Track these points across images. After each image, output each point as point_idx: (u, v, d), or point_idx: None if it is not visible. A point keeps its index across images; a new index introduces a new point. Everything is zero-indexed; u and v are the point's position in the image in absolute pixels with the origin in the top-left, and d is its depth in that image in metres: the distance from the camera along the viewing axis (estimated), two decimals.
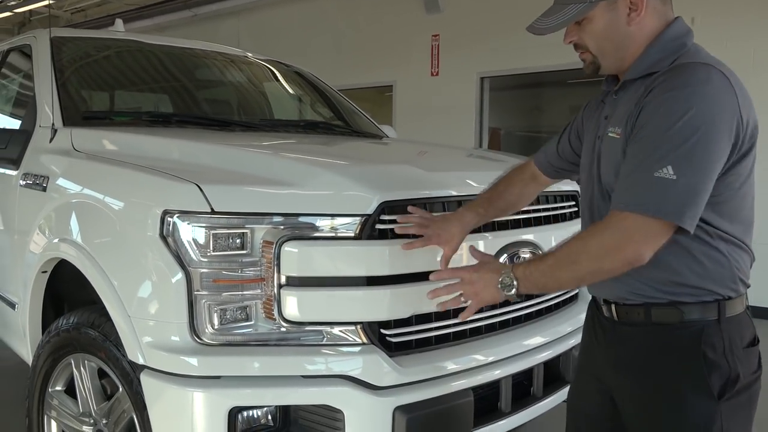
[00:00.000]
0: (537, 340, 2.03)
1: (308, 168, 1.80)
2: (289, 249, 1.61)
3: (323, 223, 1.67)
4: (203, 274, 1.62)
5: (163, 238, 1.62)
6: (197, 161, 1.91)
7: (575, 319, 2.23)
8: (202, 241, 1.61)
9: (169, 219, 1.62)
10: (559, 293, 2.23)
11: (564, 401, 2.25)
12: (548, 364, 2.07)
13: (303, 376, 1.62)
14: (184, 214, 1.61)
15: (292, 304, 1.62)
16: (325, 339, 1.68)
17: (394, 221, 1.70)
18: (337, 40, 8.09)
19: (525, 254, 1.97)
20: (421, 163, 1.96)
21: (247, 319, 1.66)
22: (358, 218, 1.66)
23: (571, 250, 1.33)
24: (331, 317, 1.66)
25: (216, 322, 1.63)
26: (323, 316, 1.66)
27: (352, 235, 1.67)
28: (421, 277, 1.72)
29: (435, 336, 1.80)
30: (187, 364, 1.59)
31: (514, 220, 1.99)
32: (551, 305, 2.18)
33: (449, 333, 1.83)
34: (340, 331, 1.68)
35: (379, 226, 1.68)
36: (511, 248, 1.94)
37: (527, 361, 1.97)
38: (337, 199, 1.67)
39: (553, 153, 1.74)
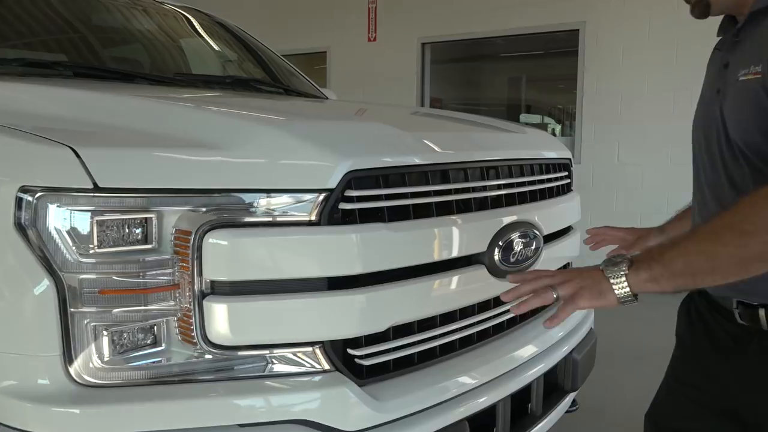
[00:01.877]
0: (530, 350, 1.61)
1: (242, 125, 1.28)
2: (215, 241, 1.10)
3: (264, 204, 1.16)
4: (84, 281, 1.08)
5: (20, 228, 1.07)
6: (82, 117, 1.34)
7: (569, 318, 1.82)
8: (81, 232, 1.07)
9: (28, 200, 1.07)
10: None
11: (567, 412, 1.86)
12: (546, 375, 1.67)
13: (240, 425, 1.12)
14: (52, 192, 1.06)
15: (221, 321, 1.12)
16: (270, 368, 1.18)
17: (364, 198, 1.22)
18: (264, 0, 7.39)
19: (523, 239, 1.54)
20: (394, 121, 1.48)
21: (155, 344, 1.15)
22: (314, 195, 1.17)
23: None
24: (278, 337, 1.17)
25: (106, 351, 1.10)
26: (266, 335, 1.16)
27: (307, 219, 1.17)
28: (403, 274, 1.26)
29: (419, 352, 1.34)
30: (61, 419, 1.06)
31: (502, 196, 1.54)
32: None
33: (435, 347, 1.38)
34: (291, 355, 1.19)
35: (344, 206, 1.19)
36: (509, 232, 1.49)
37: (525, 376, 1.55)
38: (285, 169, 1.17)
39: None
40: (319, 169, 1.17)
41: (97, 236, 1.08)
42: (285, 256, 1.14)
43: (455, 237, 1.35)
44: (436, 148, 1.41)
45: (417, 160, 1.33)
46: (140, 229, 1.12)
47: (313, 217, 1.17)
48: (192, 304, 1.12)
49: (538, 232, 1.60)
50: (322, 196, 1.17)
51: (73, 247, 1.07)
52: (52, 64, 1.97)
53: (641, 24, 5.25)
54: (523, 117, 7.81)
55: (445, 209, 1.37)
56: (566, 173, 1.94)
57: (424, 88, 6.63)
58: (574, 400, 1.93)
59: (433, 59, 6.74)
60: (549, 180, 1.79)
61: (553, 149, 1.87)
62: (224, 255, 1.11)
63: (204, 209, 1.14)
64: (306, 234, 1.16)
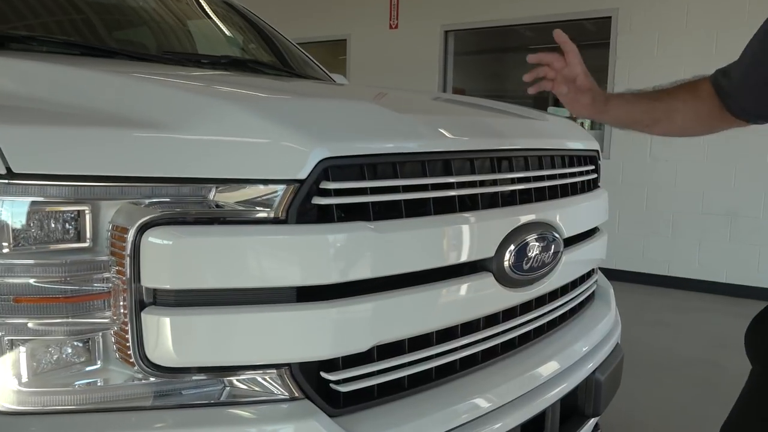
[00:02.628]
0: (547, 370, 1.38)
1: (197, 100, 1.07)
2: (156, 241, 0.90)
3: (219, 197, 0.96)
4: None
5: None
6: (14, 90, 1.15)
7: (592, 332, 1.60)
8: None
9: None
10: (572, 296, 1.58)
11: None
12: (564, 398, 1.44)
13: None
14: None
15: (162, 338, 0.92)
16: (227, 395, 0.98)
17: (344, 192, 1.01)
18: None
19: (540, 243, 1.31)
20: (386, 102, 1.26)
21: (89, 362, 0.95)
22: (281, 187, 0.96)
23: None
24: (235, 358, 0.97)
25: (25, 373, 0.92)
26: (220, 356, 0.96)
27: (271, 216, 0.96)
28: (391, 283, 1.05)
29: (409, 375, 1.13)
30: None
31: (516, 192, 1.32)
32: (558, 315, 1.53)
33: (431, 369, 1.16)
34: (252, 379, 0.99)
35: (318, 201, 0.98)
36: (523, 234, 1.27)
37: (539, 402, 1.32)
38: (245, 154, 0.96)
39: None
40: (288, 154, 0.96)
41: (11, 233, 0.89)
42: (243, 260, 0.94)
43: (456, 239, 1.13)
44: (436, 134, 1.19)
45: (412, 147, 1.11)
46: (69, 224, 0.93)
47: (279, 214, 0.96)
48: (129, 316, 0.93)
49: (558, 235, 1.37)
50: (290, 189, 0.96)
51: None
52: (25, 39, 1.79)
53: (678, 10, 4.93)
54: (551, 110, 7.52)
55: (445, 207, 1.15)
56: (593, 167, 1.70)
57: (446, 78, 6.37)
58: (596, 424, 1.71)
59: (457, 50, 6.49)
60: (572, 174, 1.56)
61: (578, 140, 1.64)
62: (167, 258, 0.91)
63: (146, 202, 0.94)
64: (270, 234, 0.95)
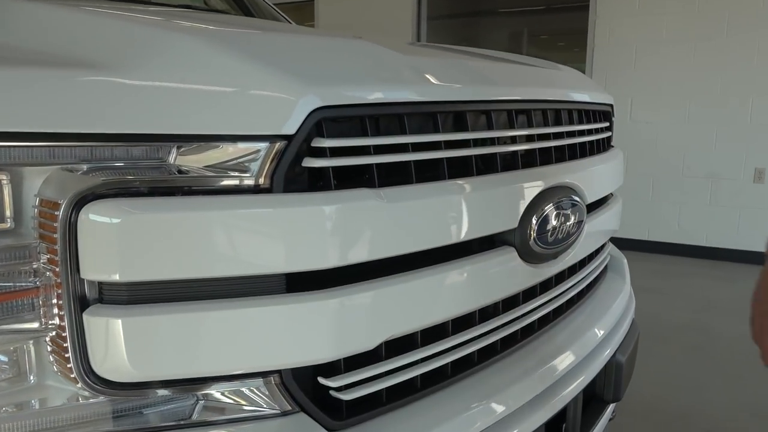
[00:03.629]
0: (569, 357, 1.20)
1: (149, 34, 0.82)
2: (100, 219, 0.68)
3: (186, 160, 0.74)
4: None
5: None
6: None
7: (610, 310, 1.43)
8: None
9: None
10: (589, 269, 1.40)
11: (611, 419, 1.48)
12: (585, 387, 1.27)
13: None
14: None
15: (114, 346, 0.70)
16: (199, 412, 0.77)
17: (342, 152, 0.80)
18: None
19: (565, 211, 1.12)
20: (386, 44, 1.03)
21: (17, 380, 0.73)
22: (263, 146, 0.74)
23: None
24: (211, 366, 0.75)
25: None
26: (191, 365, 0.74)
27: (251, 183, 0.75)
28: (400, 264, 0.85)
29: (423, 374, 0.93)
30: None
31: (536, 151, 1.12)
32: (576, 293, 1.35)
33: (446, 364, 0.97)
34: (234, 391, 0.78)
35: (310, 162, 0.77)
36: (545, 201, 1.08)
37: (563, 396, 1.15)
38: (217, 102, 0.73)
39: None
40: (271, 103, 0.74)
41: None
42: (216, 242, 0.72)
43: (479, 209, 0.93)
44: (447, 81, 0.97)
45: (421, 96, 0.89)
46: None
47: (261, 181, 0.74)
48: (67, 319, 0.70)
49: (581, 201, 1.18)
50: (275, 148, 0.74)
51: None
52: None
53: None
54: None
55: (459, 169, 0.95)
56: (607, 124, 1.51)
57: (419, 40, 6.12)
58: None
59: (429, 15, 6.23)
60: (590, 132, 1.37)
61: (593, 92, 1.44)
62: (114, 241, 0.68)
63: (84, 167, 0.71)
64: (250, 207, 0.74)
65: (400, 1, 5.99)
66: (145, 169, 0.73)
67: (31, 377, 0.74)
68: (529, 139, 1.12)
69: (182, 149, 0.74)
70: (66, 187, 0.69)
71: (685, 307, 3.72)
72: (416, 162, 0.88)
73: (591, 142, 1.38)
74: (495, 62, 1.21)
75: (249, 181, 0.74)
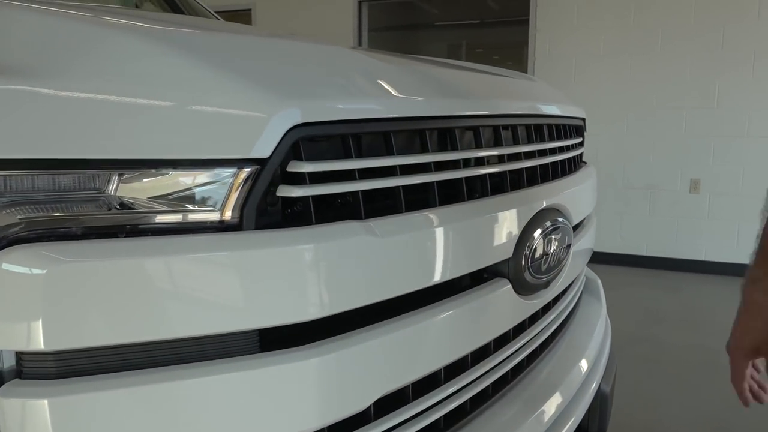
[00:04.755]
0: (560, 395, 1.09)
1: (84, 31, 0.66)
2: (18, 270, 0.52)
3: (129, 189, 0.58)
4: None
5: None
6: None
7: (592, 337, 1.34)
8: None
9: None
10: (570, 296, 1.32)
11: None
12: None
13: None
14: None
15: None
16: None
17: (323, 177, 0.66)
18: None
19: (555, 235, 1.02)
20: (357, 51, 0.89)
21: None
22: (229, 173, 0.60)
23: None
24: None
25: None
26: None
27: (216, 218, 0.60)
28: (389, 309, 0.72)
29: None
30: None
31: (523, 170, 1.02)
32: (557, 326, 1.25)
33: (439, 419, 0.85)
34: None
35: (286, 191, 0.63)
36: (536, 226, 0.97)
37: None
38: (171, 118, 0.58)
39: None
40: (239, 120, 0.60)
41: None
42: (172, 294, 0.57)
43: (474, 239, 0.81)
44: (433, 94, 0.85)
45: (410, 111, 0.77)
46: None
47: (227, 215, 0.60)
48: None
49: (568, 223, 1.09)
50: (243, 175, 0.60)
51: None
52: None
53: None
54: None
55: (447, 193, 0.83)
56: (580, 139, 1.44)
57: None
58: None
59: (370, 26, 6.16)
60: (568, 148, 1.28)
61: (567, 105, 1.36)
62: (38, 298, 0.52)
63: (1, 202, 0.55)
64: (215, 248, 0.59)
65: (341, 12, 5.89)
66: (77, 203, 0.57)
67: None
68: (514, 157, 1.01)
69: (125, 177, 0.59)
70: None
71: (631, 318, 3.75)
72: (405, 187, 0.75)
73: (568, 159, 1.30)
74: (475, 73, 1.10)
75: (212, 216, 0.60)
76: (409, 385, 0.78)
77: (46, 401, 0.53)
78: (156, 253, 0.56)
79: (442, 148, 0.86)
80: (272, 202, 0.64)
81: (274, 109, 0.60)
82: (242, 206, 0.60)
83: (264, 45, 0.76)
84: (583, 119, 1.47)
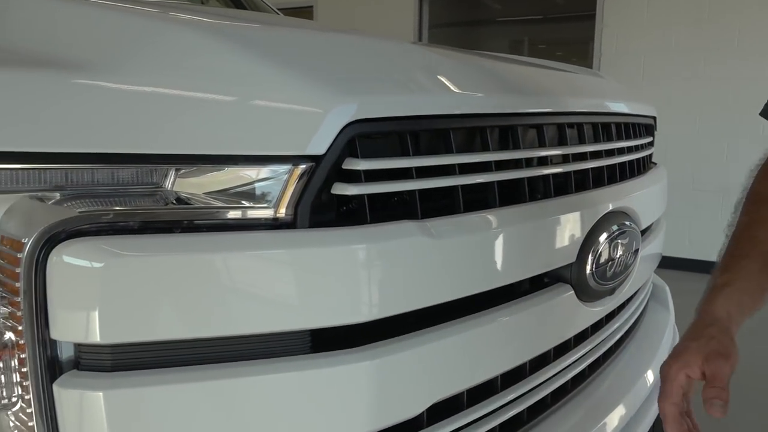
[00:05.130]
0: (619, 415, 1.03)
1: (142, 26, 0.67)
2: (76, 263, 0.52)
3: (186, 185, 0.58)
4: None
5: None
6: None
7: (659, 348, 1.27)
8: None
9: None
10: (636, 303, 1.25)
11: None
12: None
13: None
14: None
15: (94, 427, 0.54)
16: None
17: (379, 175, 0.64)
18: None
19: (622, 239, 0.97)
20: (418, 46, 0.87)
21: None
22: (282, 170, 0.59)
23: None
24: None
25: None
26: None
27: (269, 215, 0.59)
28: (445, 312, 0.69)
29: None
30: None
31: (588, 171, 0.97)
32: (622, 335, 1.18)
33: (494, 427, 0.81)
34: None
35: (341, 190, 0.61)
36: (602, 229, 0.92)
37: None
38: (226, 111, 0.58)
39: None
40: (294, 116, 0.59)
41: None
42: (225, 291, 0.56)
43: (535, 242, 0.78)
44: (497, 89, 0.82)
45: (471, 107, 0.74)
46: None
47: (282, 212, 0.59)
48: (32, 391, 0.55)
49: (636, 227, 1.03)
50: (298, 172, 0.59)
51: None
52: None
53: None
54: None
55: (508, 193, 0.80)
56: (651, 138, 1.37)
57: None
58: None
59: (431, 23, 6.13)
60: (638, 148, 1.22)
61: (636, 103, 1.30)
62: (95, 292, 0.53)
63: (57, 195, 0.56)
64: (269, 246, 0.58)
65: (402, 9, 5.87)
66: (135, 197, 0.57)
67: None
68: (579, 157, 0.97)
69: (181, 172, 0.59)
70: (33, 222, 0.53)
71: None
72: (464, 186, 0.73)
73: (637, 160, 1.24)
74: (540, 69, 1.06)
75: (266, 213, 0.59)
76: (464, 392, 0.76)
77: (101, 393, 0.54)
78: (210, 249, 0.56)
79: (503, 146, 0.82)
80: (327, 200, 0.62)
81: (330, 105, 0.58)
82: (296, 204, 0.59)
83: (322, 40, 0.75)
84: (654, 118, 1.39)
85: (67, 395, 0.54)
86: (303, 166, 0.59)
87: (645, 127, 1.34)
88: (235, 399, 0.57)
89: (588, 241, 0.88)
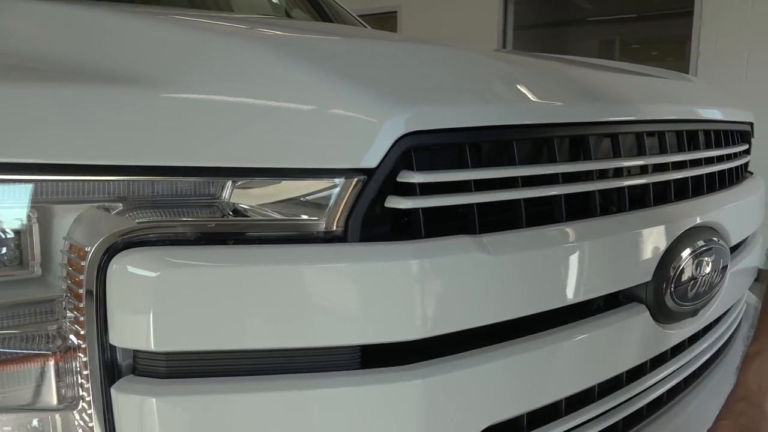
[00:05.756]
0: None
1: (196, 39, 0.68)
2: (134, 271, 0.54)
3: (241, 197, 0.59)
4: None
5: None
6: None
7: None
8: None
9: None
10: (725, 325, 1.15)
11: None
12: None
13: None
14: None
15: (149, 430, 0.56)
16: None
17: (435, 188, 0.63)
18: None
19: (708, 257, 0.90)
20: (484, 54, 0.85)
21: None
22: (335, 183, 0.58)
23: None
24: None
25: None
26: None
27: (320, 229, 0.59)
28: (503, 331, 0.66)
29: None
30: None
31: (670, 183, 0.90)
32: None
33: None
34: None
35: (395, 203, 0.60)
36: (683, 245, 0.86)
37: None
38: (279, 124, 0.58)
39: None
40: (346, 128, 0.58)
41: None
42: (277, 304, 0.57)
43: (605, 260, 0.73)
44: (562, 97, 0.78)
45: (535, 117, 0.71)
46: (11, 241, 0.58)
47: (333, 226, 0.59)
48: (92, 393, 0.57)
49: (724, 243, 0.95)
50: (350, 185, 0.58)
51: None
52: None
53: None
54: None
55: (578, 207, 0.75)
56: (746, 146, 1.26)
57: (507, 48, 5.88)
58: None
59: (516, 24, 6.00)
60: (729, 157, 1.13)
61: (731, 109, 1.20)
62: (150, 300, 0.55)
63: (120, 205, 0.58)
64: (320, 260, 0.58)
65: (486, 11, 5.79)
66: (192, 209, 0.59)
67: None
68: (660, 168, 0.90)
69: (238, 184, 0.59)
70: (95, 231, 0.56)
71: None
72: (527, 200, 0.69)
73: (729, 170, 1.14)
74: (617, 74, 1.00)
75: (318, 226, 0.59)
76: (523, 415, 0.72)
77: (154, 399, 0.55)
78: (261, 261, 0.56)
79: (573, 157, 0.78)
80: (380, 213, 0.61)
81: (382, 117, 0.57)
82: (348, 217, 0.58)
83: (381, 51, 0.74)
84: (751, 124, 1.29)
85: (123, 399, 0.56)
86: (354, 180, 0.58)
87: (740, 134, 1.24)
88: (283, 411, 0.57)
89: (666, 259, 0.82)
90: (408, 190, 0.61)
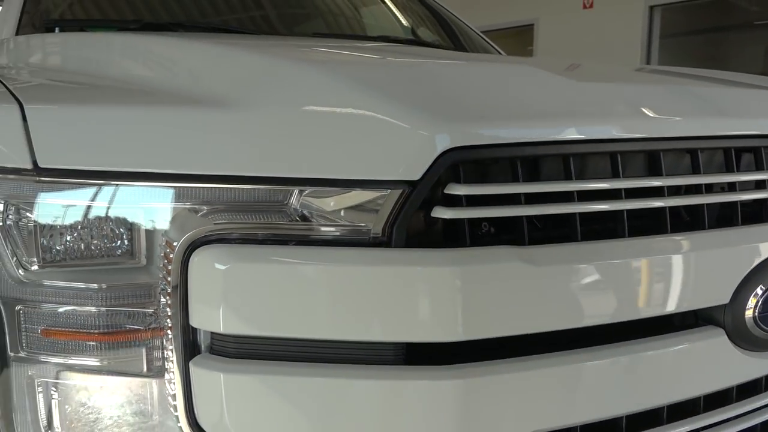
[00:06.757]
0: None
1: (261, 65, 0.77)
2: (210, 265, 0.64)
3: (305, 205, 0.67)
4: (24, 314, 0.70)
5: None
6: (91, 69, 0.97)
7: None
8: (17, 238, 0.69)
9: None
10: None
11: None
12: None
13: None
14: None
15: (215, 400, 0.65)
16: None
17: (480, 200, 0.66)
18: None
19: None
20: (551, 68, 0.86)
21: (143, 418, 0.73)
22: (381, 193, 0.65)
23: None
24: None
25: (59, 427, 0.71)
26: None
27: (367, 235, 0.65)
28: (552, 341, 0.68)
29: None
30: None
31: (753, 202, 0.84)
32: None
33: None
34: None
35: (440, 213, 0.65)
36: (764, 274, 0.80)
37: None
38: (328, 141, 0.66)
39: None
40: (393, 143, 0.64)
41: (42, 246, 0.69)
42: (327, 299, 0.64)
43: (667, 277, 0.72)
44: (629, 109, 0.78)
45: (592, 131, 0.72)
46: (123, 236, 0.71)
47: (378, 232, 0.65)
48: (176, 366, 0.68)
49: None
50: (395, 195, 0.64)
51: (12, 260, 0.69)
52: (169, 25, 1.68)
53: None
54: None
55: (644, 226, 0.74)
56: None
57: (650, 62, 5.56)
58: None
59: (664, 32, 5.64)
60: None
61: None
62: (219, 289, 0.64)
63: (205, 208, 0.68)
64: (365, 262, 0.64)
65: (628, 20, 5.52)
66: (265, 212, 0.68)
67: (155, 416, 0.73)
68: (745, 186, 0.85)
69: (304, 193, 0.68)
70: (183, 229, 0.66)
71: None
72: (582, 214, 0.71)
73: None
74: (694, 85, 0.96)
75: (367, 232, 0.65)
76: (576, 427, 0.73)
77: (221, 374, 0.64)
78: (312, 260, 0.64)
79: (637, 172, 0.77)
80: (427, 222, 0.66)
81: (427, 131, 0.62)
82: (392, 224, 0.64)
83: (437, 70, 0.79)
84: None
85: (197, 372, 0.66)
86: (399, 191, 0.64)
87: None
88: (328, 396, 0.64)
89: (749, 282, 0.78)
90: (455, 201, 0.66)
